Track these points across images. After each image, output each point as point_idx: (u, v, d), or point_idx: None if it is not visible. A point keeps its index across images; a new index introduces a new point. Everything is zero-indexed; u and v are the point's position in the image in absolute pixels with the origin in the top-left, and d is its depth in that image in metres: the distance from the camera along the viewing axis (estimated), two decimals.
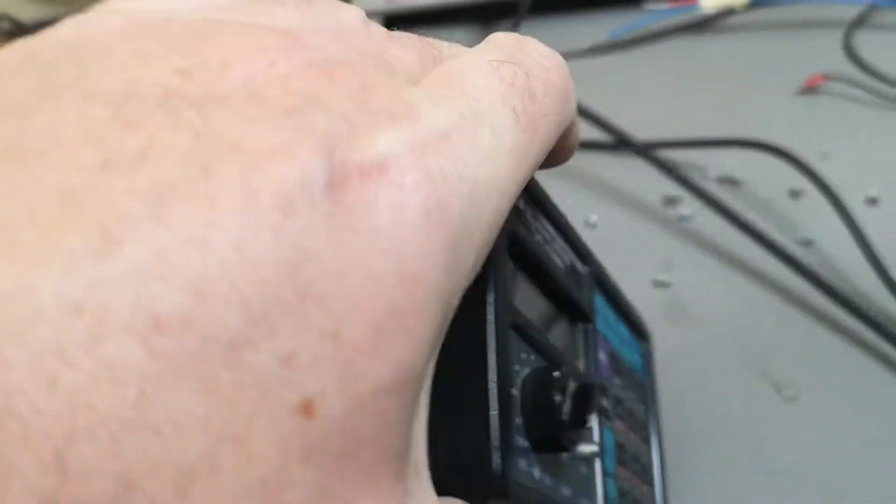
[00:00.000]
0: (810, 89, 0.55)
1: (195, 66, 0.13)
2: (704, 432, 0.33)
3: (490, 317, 0.19)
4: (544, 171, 0.23)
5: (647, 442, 0.31)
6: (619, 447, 0.27)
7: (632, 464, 0.28)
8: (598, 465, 0.25)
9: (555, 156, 0.21)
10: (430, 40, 0.19)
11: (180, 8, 0.15)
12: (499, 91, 0.16)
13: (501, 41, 0.19)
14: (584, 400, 0.20)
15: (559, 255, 0.25)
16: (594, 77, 0.60)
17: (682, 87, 0.58)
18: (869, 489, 0.32)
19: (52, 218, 0.10)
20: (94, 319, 0.10)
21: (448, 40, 0.21)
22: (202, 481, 0.10)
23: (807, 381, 0.36)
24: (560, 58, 0.20)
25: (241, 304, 0.11)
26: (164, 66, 0.13)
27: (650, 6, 0.63)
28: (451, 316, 0.15)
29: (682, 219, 0.46)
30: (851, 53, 0.57)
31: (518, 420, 0.20)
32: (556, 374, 0.20)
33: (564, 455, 0.22)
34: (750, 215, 0.46)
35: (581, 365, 0.26)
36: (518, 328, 0.21)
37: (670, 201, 0.47)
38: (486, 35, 0.20)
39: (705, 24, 0.63)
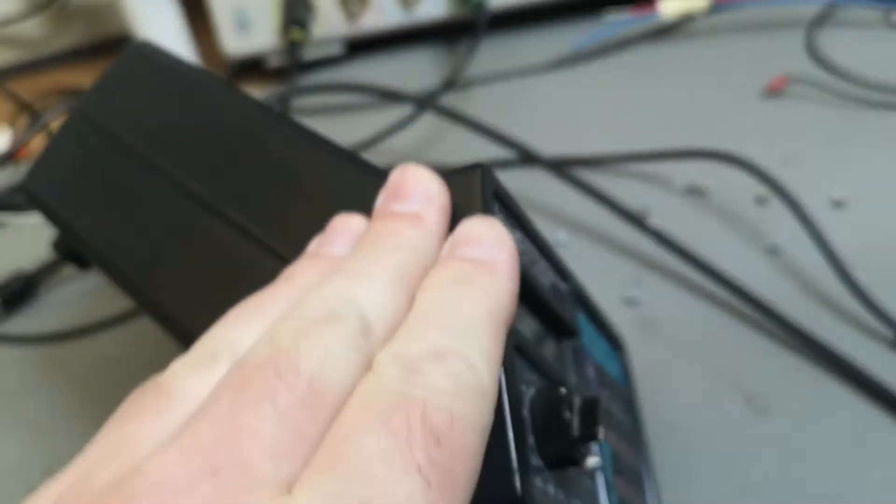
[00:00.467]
0: (774, 91, 0.55)
1: None
2: (675, 446, 0.33)
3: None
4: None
5: (636, 449, 0.32)
6: (615, 458, 0.28)
7: (627, 473, 0.29)
8: (600, 477, 0.25)
9: None
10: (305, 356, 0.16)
11: None
12: (395, 454, 0.14)
13: (385, 375, 0.16)
14: (591, 413, 0.21)
15: (544, 275, 0.26)
16: (560, 90, 0.60)
17: (647, 96, 0.58)
18: (841, 501, 0.32)
19: None
20: None
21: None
22: None
23: (777, 393, 0.36)
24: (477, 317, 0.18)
25: None
26: None
27: (610, 17, 0.63)
28: None
29: (651, 233, 0.46)
30: (814, 53, 0.57)
31: (531, 440, 0.20)
32: (562, 391, 0.21)
33: (571, 471, 0.22)
34: (716, 224, 0.46)
35: (573, 381, 0.26)
36: (521, 350, 0.21)
37: (638, 216, 0.47)
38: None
39: (667, 32, 0.63)
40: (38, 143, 0.58)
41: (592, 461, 0.22)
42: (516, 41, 0.66)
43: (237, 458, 0.14)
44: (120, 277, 0.28)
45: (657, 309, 0.41)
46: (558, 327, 0.27)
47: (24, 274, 0.48)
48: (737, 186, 0.47)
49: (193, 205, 0.27)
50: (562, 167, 0.49)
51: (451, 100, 0.57)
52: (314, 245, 0.22)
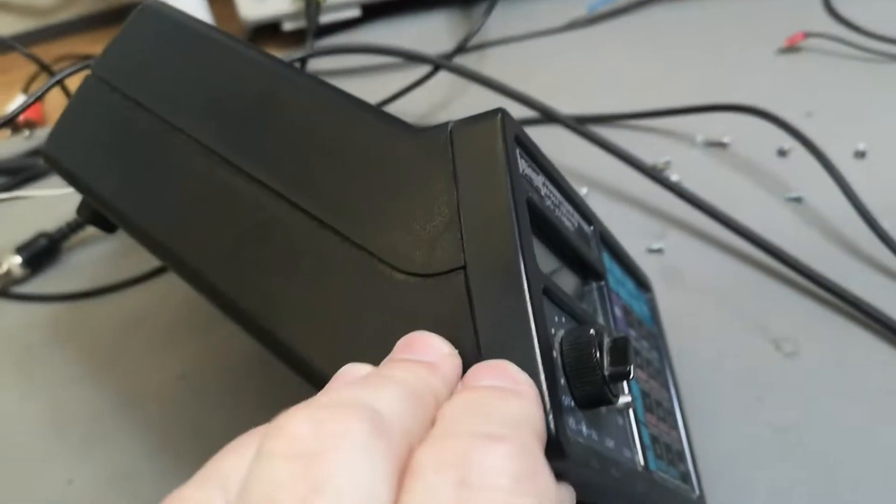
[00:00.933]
0: (792, 48, 0.55)
1: None
2: (706, 389, 0.33)
3: (525, 286, 0.20)
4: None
5: (666, 388, 0.32)
6: (645, 396, 0.28)
7: (657, 410, 0.29)
8: (631, 415, 0.25)
9: None
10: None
11: None
12: None
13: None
14: (621, 352, 0.21)
15: (568, 218, 0.26)
16: (575, 52, 0.60)
17: (664, 55, 0.57)
18: (869, 442, 0.32)
19: None
20: None
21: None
22: None
23: (805, 338, 0.36)
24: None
25: None
26: None
27: None
28: None
29: (672, 186, 0.46)
30: (831, 9, 0.57)
31: (562, 381, 0.20)
32: (591, 332, 0.21)
33: (603, 410, 0.22)
34: (739, 177, 0.46)
35: (601, 321, 0.26)
36: (548, 293, 0.21)
37: (659, 169, 0.47)
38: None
39: None
40: (54, 107, 0.58)
41: (623, 399, 0.22)
42: (530, 4, 0.65)
43: None
44: (145, 238, 0.28)
45: (681, 259, 0.41)
46: (584, 269, 0.27)
47: (47, 233, 0.48)
48: (758, 139, 0.47)
49: (216, 164, 0.27)
50: (582, 124, 0.49)
51: (467, 61, 0.57)
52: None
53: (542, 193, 0.24)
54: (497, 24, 0.61)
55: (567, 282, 0.26)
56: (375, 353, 0.20)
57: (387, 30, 0.66)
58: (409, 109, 0.54)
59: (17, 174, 0.56)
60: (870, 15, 0.55)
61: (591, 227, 0.28)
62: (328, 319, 0.22)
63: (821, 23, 0.56)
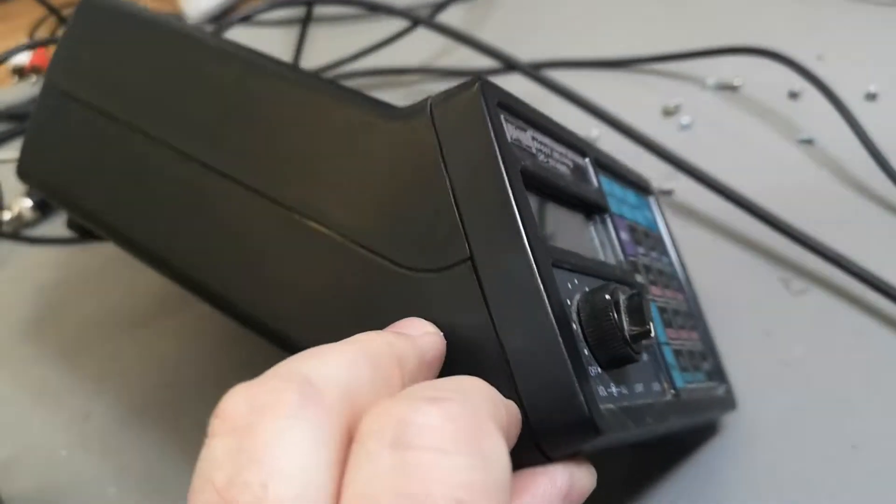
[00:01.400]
0: None
1: None
2: (715, 323, 0.33)
3: (535, 268, 0.20)
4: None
5: (680, 290, 0.32)
6: (662, 312, 0.28)
7: (675, 319, 0.29)
8: (654, 346, 0.25)
9: None
10: None
11: None
12: None
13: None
14: (638, 311, 0.21)
15: (562, 163, 0.26)
16: None
17: None
18: (880, 379, 0.32)
19: None
20: None
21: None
22: None
23: (813, 278, 0.36)
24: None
25: None
26: None
27: None
28: None
29: (682, 128, 0.46)
30: None
31: (585, 351, 0.20)
32: (605, 296, 0.21)
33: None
34: (750, 118, 0.45)
35: (609, 254, 0.27)
36: (558, 264, 0.21)
37: (669, 112, 0.47)
38: None
39: None
40: None
41: (648, 342, 0.22)
42: None
43: None
44: (139, 252, 0.28)
45: (691, 199, 0.41)
46: (587, 206, 0.27)
47: None
48: (769, 82, 0.47)
49: (187, 165, 0.26)
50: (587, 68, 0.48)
51: (469, 7, 0.57)
52: None
53: (534, 150, 0.24)
54: None
55: (572, 225, 0.25)
56: None
57: None
58: (398, 60, 0.54)
59: (26, 119, 0.56)
60: None
61: (586, 159, 0.28)
62: (340, 328, 0.20)
63: None
